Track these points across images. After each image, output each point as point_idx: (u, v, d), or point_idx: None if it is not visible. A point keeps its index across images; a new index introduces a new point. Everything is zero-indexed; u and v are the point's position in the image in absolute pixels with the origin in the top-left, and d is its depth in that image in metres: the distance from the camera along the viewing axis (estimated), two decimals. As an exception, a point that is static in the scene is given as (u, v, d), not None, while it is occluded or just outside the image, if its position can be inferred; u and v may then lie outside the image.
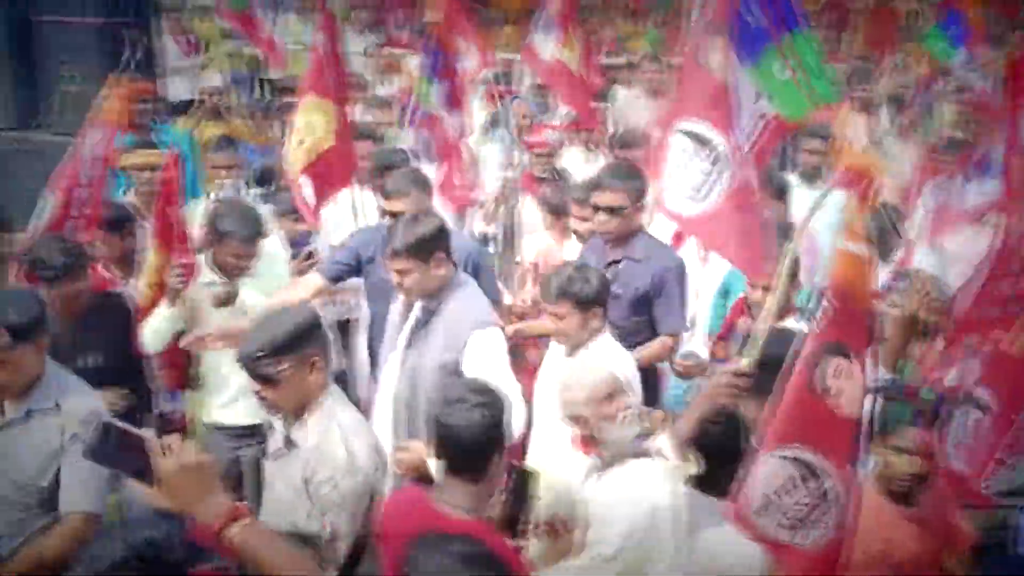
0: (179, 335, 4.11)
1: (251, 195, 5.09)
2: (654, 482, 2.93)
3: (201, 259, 4.20)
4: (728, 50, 3.58)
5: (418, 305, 3.73)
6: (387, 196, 4.33)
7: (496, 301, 4.23)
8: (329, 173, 5.10)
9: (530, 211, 5.74)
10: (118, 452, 2.07)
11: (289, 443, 2.93)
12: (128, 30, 7.21)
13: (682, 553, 2.92)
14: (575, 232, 4.84)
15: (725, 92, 3.61)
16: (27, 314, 3.05)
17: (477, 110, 7.18)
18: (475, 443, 2.69)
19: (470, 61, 6.92)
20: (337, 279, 4.48)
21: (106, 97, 4.64)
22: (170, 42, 10.18)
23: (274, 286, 4.31)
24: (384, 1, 11.34)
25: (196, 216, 4.92)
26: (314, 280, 4.43)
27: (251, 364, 2.88)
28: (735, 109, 3.62)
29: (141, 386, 4.16)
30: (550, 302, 3.73)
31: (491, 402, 2.75)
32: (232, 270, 4.15)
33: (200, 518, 2.10)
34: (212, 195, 5.12)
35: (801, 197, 5.30)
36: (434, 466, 2.85)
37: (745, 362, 3.00)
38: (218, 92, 7.76)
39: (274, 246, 4.62)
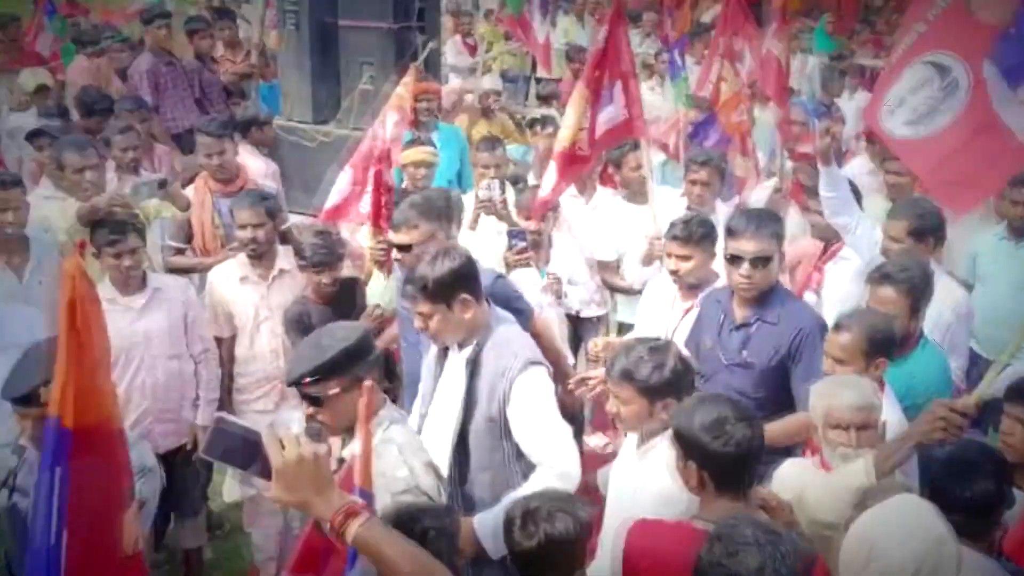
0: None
1: (503, 192, 5.36)
2: (930, 516, 2.55)
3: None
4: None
5: (456, 359, 3.38)
6: (394, 227, 4.04)
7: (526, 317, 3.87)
8: (566, 168, 5.20)
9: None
10: (234, 449, 2.08)
11: (342, 464, 2.80)
12: (418, 33, 7.84)
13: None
14: (671, 272, 4.35)
15: (988, 30, 3.52)
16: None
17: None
18: (742, 457, 2.63)
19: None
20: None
21: (404, 87, 5.32)
22: (452, 43, 10.88)
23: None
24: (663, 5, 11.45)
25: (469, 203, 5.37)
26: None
27: (300, 385, 2.80)
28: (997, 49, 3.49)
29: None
30: (612, 381, 3.19)
31: (752, 417, 2.71)
32: None
33: (317, 513, 2.07)
34: (478, 193, 5.46)
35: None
36: None
37: (971, 399, 2.83)
38: (495, 93, 8.18)
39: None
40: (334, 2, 7.83)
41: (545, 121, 6.84)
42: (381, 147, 5.02)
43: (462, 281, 3.26)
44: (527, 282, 4.71)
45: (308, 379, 2.78)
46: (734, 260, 3.76)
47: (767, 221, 3.82)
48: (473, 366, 3.29)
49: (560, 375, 3.89)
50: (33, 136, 6.11)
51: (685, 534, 2.59)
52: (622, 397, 3.13)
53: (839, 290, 4.71)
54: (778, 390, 3.70)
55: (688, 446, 2.69)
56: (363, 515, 2.05)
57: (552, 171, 5.18)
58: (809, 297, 4.82)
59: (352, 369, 2.80)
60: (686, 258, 4.23)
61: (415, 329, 3.48)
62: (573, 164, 5.20)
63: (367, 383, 2.49)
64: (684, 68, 8.13)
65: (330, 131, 7.73)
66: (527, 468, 3.26)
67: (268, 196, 4.94)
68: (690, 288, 4.28)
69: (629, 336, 4.48)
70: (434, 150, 5.82)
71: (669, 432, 2.93)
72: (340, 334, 2.89)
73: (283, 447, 2.02)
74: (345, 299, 4.64)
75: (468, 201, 5.42)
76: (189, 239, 5.43)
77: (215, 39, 8.90)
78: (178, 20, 8.68)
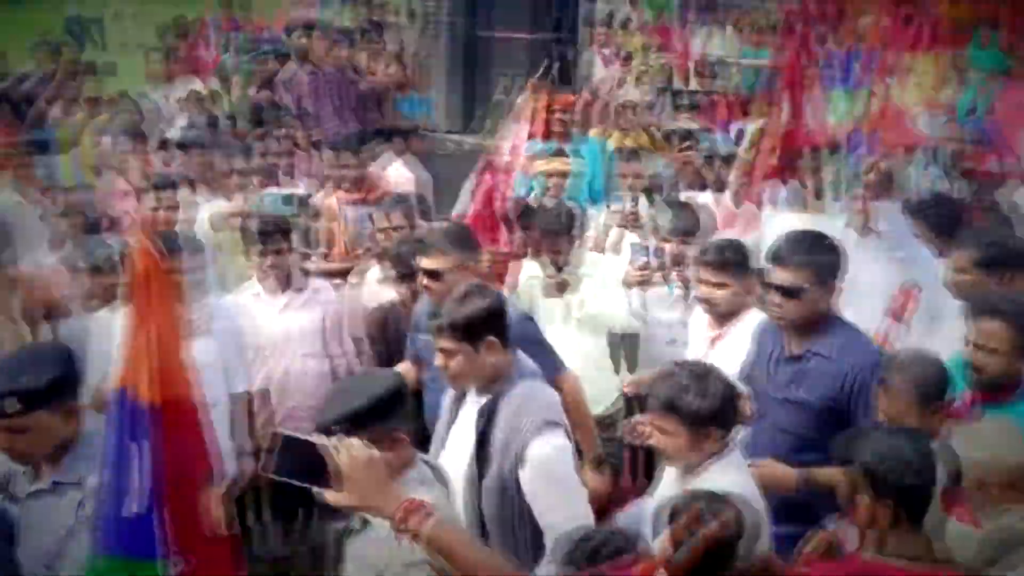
0: None
1: (642, 205, 5.28)
2: None
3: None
4: None
5: (472, 406, 3.15)
6: (424, 251, 3.94)
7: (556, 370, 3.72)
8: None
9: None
10: (299, 464, 2.08)
11: (364, 522, 2.57)
12: (557, 44, 7.84)
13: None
14: (702, 300, 4.09)
15: None
16: (44, 377, 2.69)
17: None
18: (925, 482, 2.53)
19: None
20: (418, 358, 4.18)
21: (526, 99, 5.39)
22: (596, 55, 10.82)
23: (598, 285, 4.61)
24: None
25: (600, 222, 5.34)
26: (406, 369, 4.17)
27: (327, 435, 2.56)
28: None
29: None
30: (654, 413, 2.98)
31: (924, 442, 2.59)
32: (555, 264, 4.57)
33: (382, 512, 2.11)
34: (611, 205, 5.41)
35: None
36: None
37: None
38: (633, 105, 8.09)
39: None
40: (475, 14, 7.91)
41: (685, 134, 6.72)
42: (498, 157, 5.10)
43: (492, 322, 3.06)
44: (653, 299, 4.63)
45: (335, 427, 2.53)
46: (768, 287, 3.52)
47: (806, 250, 3.45)
48: (488, 417, 3.04)
49: (584, 440, 3.67)
50: (183, 144, 6.39)
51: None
52: (665, 428, 2.92)
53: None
54: (834, 431, 3.27)
55: (885, 484, 2.52)
56: (433, 514, 2.09)
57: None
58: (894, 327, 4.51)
59: (382, 421, 2.57)
60: (719, 286, 3.93)
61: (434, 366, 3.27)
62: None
63: (398, 437, 2.44)
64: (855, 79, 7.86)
65: (463, 140, 7.82)
66: (537, 530, 3.00)
67: (408, 200, 5.03)
68: (721, 316, 4.00)
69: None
70: (567, 160, 5.80)
71: (717, 464, 2.84)
72: (372, 382, 2.71)
73: (343, 453, 2.03)
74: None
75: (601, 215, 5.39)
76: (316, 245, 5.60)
77: (365, 50, 9.15)
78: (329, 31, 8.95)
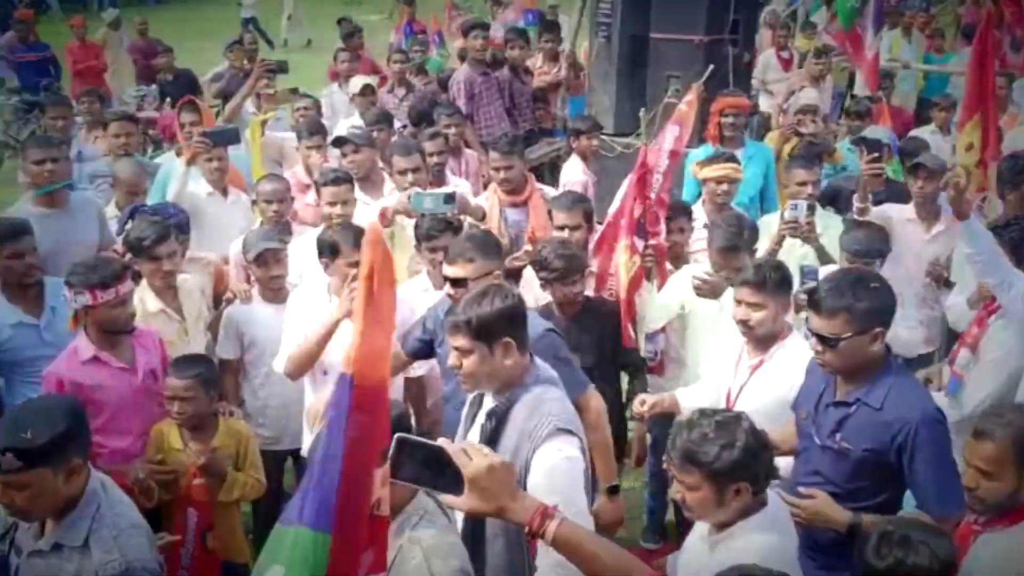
0: None
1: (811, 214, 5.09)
2: None
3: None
4: None
5: (486, 408, 3.09)
6: (449, 259, 3.89)
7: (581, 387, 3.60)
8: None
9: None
10: (420, 466, 2.06)
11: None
12: (732, 46, 7.64)
13: None
14: (739, 322, 3.84)
15: None
16: (45, 435, 2.66)
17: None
18: None
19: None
20: (415, 355, 4.24)
21: (689, 102, 5.26)
22: (766, 57, 10.53)
23: None
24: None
25: (768, 225, 5.19)
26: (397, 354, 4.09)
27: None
28: None
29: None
30: (674, 465, 2.72)
31: None
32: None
33: (513, 518, 2.10)
34: (784, 213, 5.23)
35: None
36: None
37: None
38: (811, 110, 7.82)
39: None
40: (647, 15, 7.81)
41: (875, 143, 6.43)
42: (654, 158, 5.04)
43: (509, 324, 2.99)
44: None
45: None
46: (811, 332, 3.27)
47: (845, 295, 3.16)
48: (499, 421, 2.98)
49: (601, 465, 3.51)
50: (340, 142, 6.55)
51: None
52: (687, 482, 2.68)
53: (998, 350, 4.23)
54: (877, 484, 3.18)
55: None
56: (558, 515, 2.09)
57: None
58: (963, 356, 4.30)
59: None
60: (758, 307, 3.72)
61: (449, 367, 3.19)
62: None
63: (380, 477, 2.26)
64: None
65: (631, 143, 7.71)
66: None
67: (586, 199, 5.00)
68: (760, 341, 3.78)
69: (687, 395, 4.09)
70: (738, 166, 5.67)
71: (749, 523, 2.63)
72: None
73: (470, 457, 2.01)
74: (588, 319, 4.48)
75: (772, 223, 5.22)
76: None
77: (531, 49, 9.21)
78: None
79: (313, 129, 6.44)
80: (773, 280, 3.72)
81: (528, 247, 5.16)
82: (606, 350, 4.50)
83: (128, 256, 4.66)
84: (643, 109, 5.71)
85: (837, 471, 3.21)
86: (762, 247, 4.85)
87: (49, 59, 12.50)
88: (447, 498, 2.14)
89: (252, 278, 4.94)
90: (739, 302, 3.76)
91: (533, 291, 4.80)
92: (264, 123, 7.03)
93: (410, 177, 5.50)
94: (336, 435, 2.12)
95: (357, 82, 8.21)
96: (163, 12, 23.02)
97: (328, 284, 4.46)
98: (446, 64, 10.97)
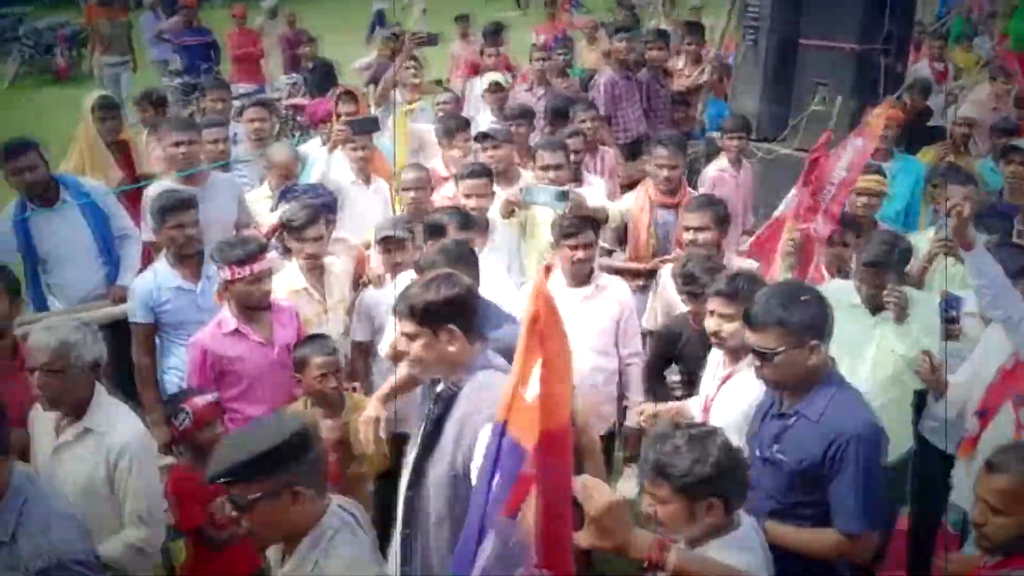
0: None
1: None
2: None
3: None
4: None
5: (432, 396, 3.10)
6: (420, 270, 3.82)
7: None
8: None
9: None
10: None
11: None
12: (884, 56, 7.41)
13: None
14: (711, 333, 3.80)
15: None
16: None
17: None
18: None
19: None
20: None
21: (878, 116, 5.12)
22: (918, 68, 10.15)
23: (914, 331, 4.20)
24: None
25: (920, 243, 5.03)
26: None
27: (222, 488, 2.48)
28: None
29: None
30: (645, 477, 2.70)
31: None
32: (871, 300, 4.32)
33: (633, 552, 2.12)
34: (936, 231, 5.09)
35: None
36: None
37: None
38: (971, 122, 7.55)
39: None
40: (798, 20, 7.65)
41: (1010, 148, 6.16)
42: (830, 168, 4.93)
43: (455, 311, 3.01)
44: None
45: (225, 480, 2.44)
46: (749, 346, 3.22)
47: (777, 309, 3.10)
48: (445, 406, 3.01)
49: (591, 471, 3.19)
50: (483, 137, 6.65)
51: None
52: (658, 496, 2.65)
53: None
54: (816, 500, 3.10)
55: None
56: (674, 546, 2.17)
57: None
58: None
59: (278, 473, 2.44)
60: (731, 318, 3.65)
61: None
62: None
63: (299, 491, 2.34)
64: None
65: (773, 149, 7.59)
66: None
67: (719, 202, 4.98)
68: (732, 352, 3.71)
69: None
70: (882, 178, 5.53)
71: (720, 541, 2.57)
72: (267, 431, 2.53)
73: (587, 496, 2.02)
74: None
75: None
76: (621, 243, 5.63)
77: (684, 52, 9.16)
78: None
79: (458, 125, 6.53)
80: (746, 292, 3.62)
81: (678, 250, 5.14)
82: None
83: (276, 235, 4.88)
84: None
85: (775, 484, 3.16)
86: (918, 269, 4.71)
87: (210, 44, 13.09)
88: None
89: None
90: (711, 312, 3.76)
91: (667, 294, 4.81)
92: (409, 113, 7.20)
93: (551, 174, 5.56)
94: (484, 483, 2.17)
95: (489, 78, 8.32)
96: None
97: None
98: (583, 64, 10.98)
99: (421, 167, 5.85)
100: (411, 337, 3.05)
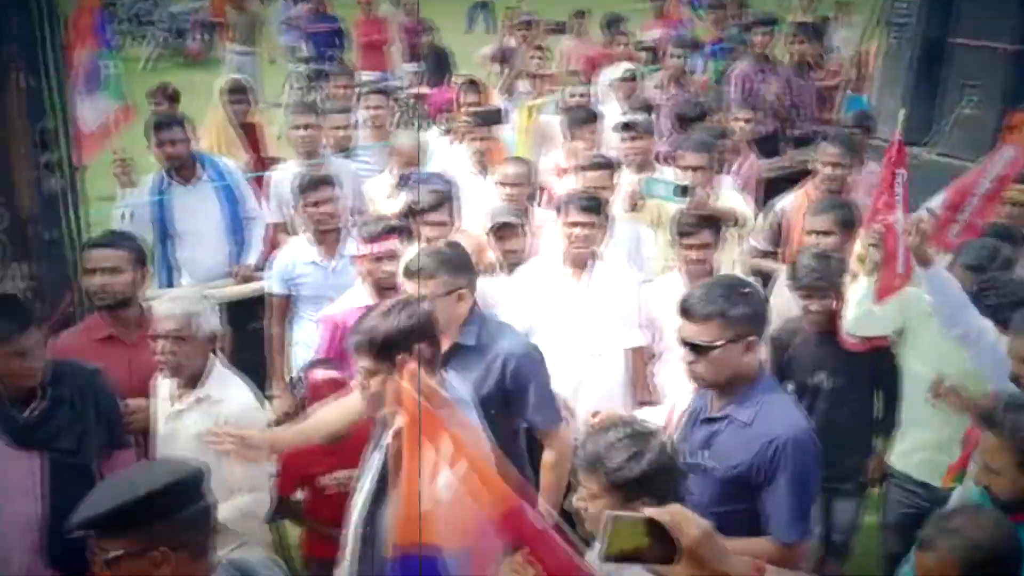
0: None
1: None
2: None
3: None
4: None
5: (393, 429, 2.78)
6: (407, 275, 3.66)
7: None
8: None
9: None
10: (635, 541, 1.92)
11: None
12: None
13: None
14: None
15: None
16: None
17: None
18: None
19: None
20: None
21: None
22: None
23: None
24: None
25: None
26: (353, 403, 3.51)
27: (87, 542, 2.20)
28: None
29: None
30: (579, 469, 2.60)
31: None
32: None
33: None
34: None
35: None
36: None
37: None
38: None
39: None
40: (948, 17, 7.26)
41: None
42: (975, 178, 4.73)
43: (413, 341, 2.82)
44: None
45: (86, 535, 2.17)
46: (682, 341, 3.05)
47: (718, 300, 2.97)
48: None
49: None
50: (626, 127, 6.46)
51: None
52: (589, 490, 2.55)
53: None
54: (748, 510, 2.95)
55: None
56: (769, 569, 2.03)
57: None
58: None
59: (142, 529, 2.15)
60: None
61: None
62: None
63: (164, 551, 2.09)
64: None
65: (917, 154, 7.20)
66: None
67: (845, 206, 4.81)
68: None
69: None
70: None
71: None
72: (141, 479, 2.22)
73: (679, 525, 1.90)
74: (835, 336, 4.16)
75: None
76: (776, 244, 5.47)
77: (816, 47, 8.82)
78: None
79: (587, 117, 6.36)
80: None
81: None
82: (854, 370, 4.17)
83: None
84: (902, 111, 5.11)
85: (705, 492, 2.98)
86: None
87: (337, 31, 13.26)
88: (662, 568, 1.96)
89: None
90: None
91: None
92: (535, 108, 7.08)
93: (691, 175, 5.32)
94: None
95: (623, 67, 8.15)
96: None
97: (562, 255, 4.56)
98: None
99: (523, 162, 5.64)
100: (369, 373, 2.90)
